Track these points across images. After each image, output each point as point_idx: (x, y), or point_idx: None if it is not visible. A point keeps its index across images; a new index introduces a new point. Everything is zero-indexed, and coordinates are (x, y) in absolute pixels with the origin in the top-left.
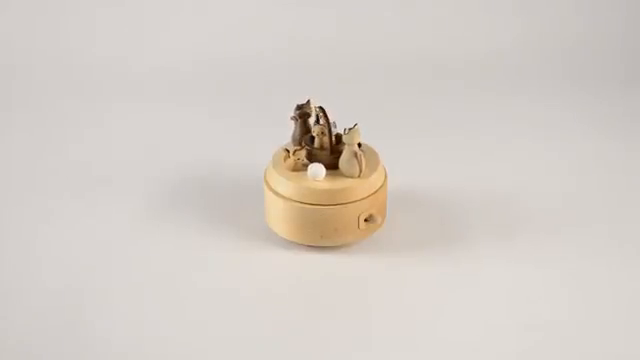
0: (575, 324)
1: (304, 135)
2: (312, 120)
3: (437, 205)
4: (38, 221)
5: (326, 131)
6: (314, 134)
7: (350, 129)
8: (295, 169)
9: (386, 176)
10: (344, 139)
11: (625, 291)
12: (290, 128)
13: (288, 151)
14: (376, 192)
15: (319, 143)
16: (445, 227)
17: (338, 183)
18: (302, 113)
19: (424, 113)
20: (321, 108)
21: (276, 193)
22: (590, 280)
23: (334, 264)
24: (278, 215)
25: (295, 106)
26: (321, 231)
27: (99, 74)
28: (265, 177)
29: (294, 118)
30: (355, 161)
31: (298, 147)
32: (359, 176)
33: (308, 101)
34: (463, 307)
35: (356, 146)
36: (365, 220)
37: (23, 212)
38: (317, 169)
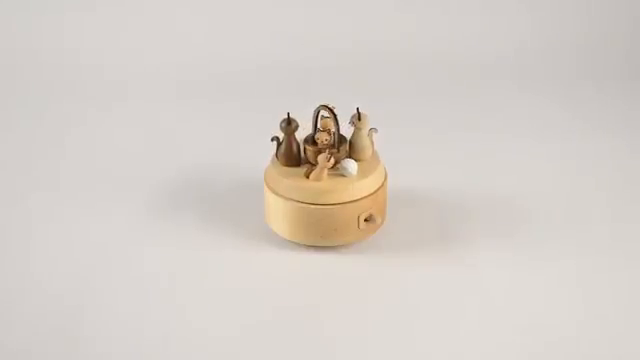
0: (575, 324)
1: (296, 148)
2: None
3: (437, 205)
4: (37, 222)
5: (335, 129)
6: (326, 135)
7: (358, 115)
8: (319, 179)
9: (386, 176)
10: (357, 124)
11: (626, 291)
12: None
13: (312, 164)
14: (376, 192)
15: (330, 143)
16: (445, 227)
17: (338, 183)
18: (294, 127)
19: (424, 113)
20: (327, 107)
21: (276, 193)
22: (590, 280)
23: (334, 264)
24: (278, 215)
25: (284, 122)
26: (321, 231)
27: (99, 74)
28: (265, 177)
29: (276, 138)
30: (369, 143)
31: (327, 154)
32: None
33: (288, 114)
34: (463, 307)
35: (367, 129)
36: (365, 220)
37: (22, 213)
38: (352, 164)
